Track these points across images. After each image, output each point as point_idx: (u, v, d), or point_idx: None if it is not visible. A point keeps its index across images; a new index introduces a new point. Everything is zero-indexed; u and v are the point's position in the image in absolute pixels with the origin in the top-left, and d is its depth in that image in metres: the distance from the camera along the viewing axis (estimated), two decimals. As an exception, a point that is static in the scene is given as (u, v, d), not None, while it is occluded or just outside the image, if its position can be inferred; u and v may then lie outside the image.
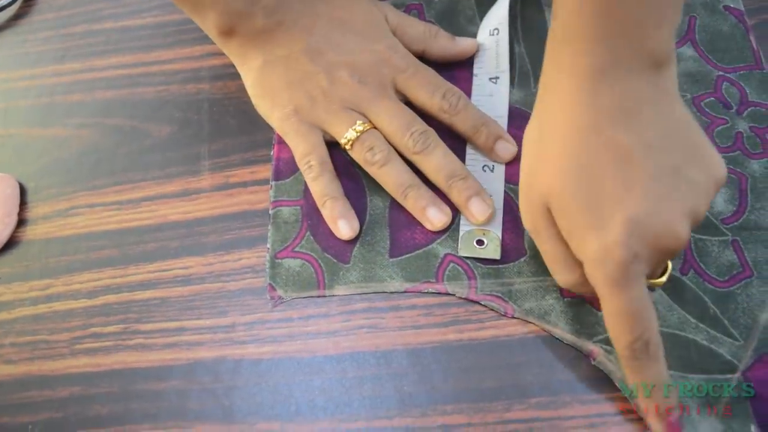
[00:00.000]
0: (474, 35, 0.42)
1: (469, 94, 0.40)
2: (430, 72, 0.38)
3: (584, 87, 0.29)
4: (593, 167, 0.28)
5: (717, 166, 0.29)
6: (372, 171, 0.37)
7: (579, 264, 0.30)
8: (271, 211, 0.38)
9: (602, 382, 0.33)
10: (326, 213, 0.36)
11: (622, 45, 0.28)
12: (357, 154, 0.37)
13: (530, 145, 0.32)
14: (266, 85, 0.38)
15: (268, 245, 0.37)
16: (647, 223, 0.27)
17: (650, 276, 0.31)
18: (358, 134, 0.36)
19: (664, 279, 0.33)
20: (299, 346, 0.35)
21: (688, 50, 0.41)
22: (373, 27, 0.38)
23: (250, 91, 0.39)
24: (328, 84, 0.37)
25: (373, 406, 0.33)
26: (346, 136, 0.36)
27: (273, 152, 0.40)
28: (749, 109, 0.39)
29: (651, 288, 0.34)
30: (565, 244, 0.30)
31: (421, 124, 0.36)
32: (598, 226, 0.28)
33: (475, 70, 0.41)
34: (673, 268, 0.35)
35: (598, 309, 0.35)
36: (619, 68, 0.28)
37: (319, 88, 0.37)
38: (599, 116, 0.29)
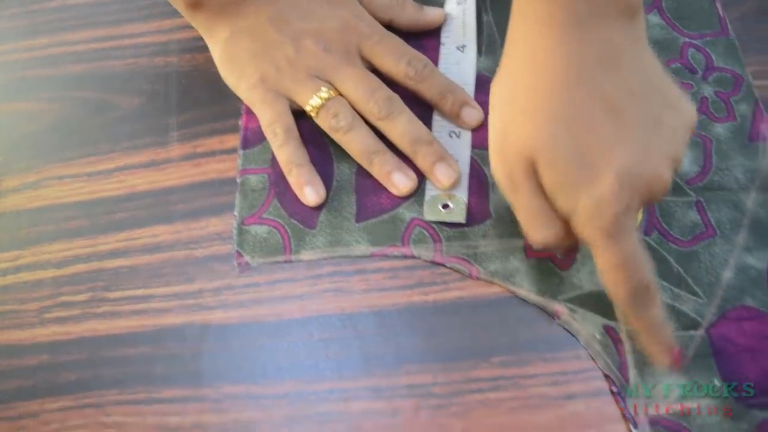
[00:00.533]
0: (441, 5, 0.42)
1: (436, 62, 0.40)
2: (397, 39, 0.38)
3: (562, 38, 0.28)
4: (582, 119, 0.28)
5: (689, 110, 0.30)
6: (337, 138, 0.37)
7: (558, 219, 0.30)
8: (238, 179, 0.38)
9: (565, 340, 0.34)
10: (292, 180, 0.37)
11: None
12: (322, 121, 0.37)
13: (502, 101, 0.31)
14: (233, 57, 0.38)
15: (236, 212, 0.37)
16: (637, 172, 0.27)
17: None
18: (323, 101, 0.36)
19: (640, 217, 0.33)
20: (266, 310, 0.35)
21: (654, 18, 0.42)
22: None
23: (218, 62, 0.39)
24: (293, 52, 0.37)
25: (339, 368, 0.34)
26: (311, 103, 0.37)
27: (241, 122, 0.40)
28: (714, 74, 0.40)
29: None
30: (544, 199, 0.30)
31: (386, 90, 0.37)
32: (589, 179, 0.28)
33: (443, 39, 0.41)
34: (636, 230, 0.36)
35: (562, 269, 0.35)
36: (596, 17, 0.28)
37: (284, 56, 0.37)
38: (581, 67, 0.28)
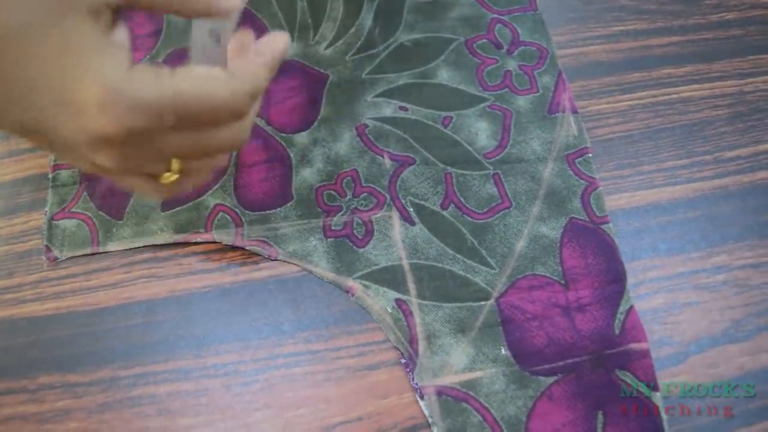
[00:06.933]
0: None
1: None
2: None
3: None
4: None
5: None
6: None
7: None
8: (50, 175, 0.39)
9: (367, 314, 0.35)
10: None
11: None
12: None
13: None
14: None
15: (46, 208, 0.38)
16: None
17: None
18: None
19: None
20: (81, 300, 0.36)
21: (466, -4, 0.43)
22: None
23: None
24: None
25: (149, 352, 0.35)
26: None
27: (59, 117, 0.41)
28: (519, 49, 0.41)
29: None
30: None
31: None
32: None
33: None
34: (433, 204, 0.37)
35: (359, 246, 0.36)
36: None
37: None
38: None
